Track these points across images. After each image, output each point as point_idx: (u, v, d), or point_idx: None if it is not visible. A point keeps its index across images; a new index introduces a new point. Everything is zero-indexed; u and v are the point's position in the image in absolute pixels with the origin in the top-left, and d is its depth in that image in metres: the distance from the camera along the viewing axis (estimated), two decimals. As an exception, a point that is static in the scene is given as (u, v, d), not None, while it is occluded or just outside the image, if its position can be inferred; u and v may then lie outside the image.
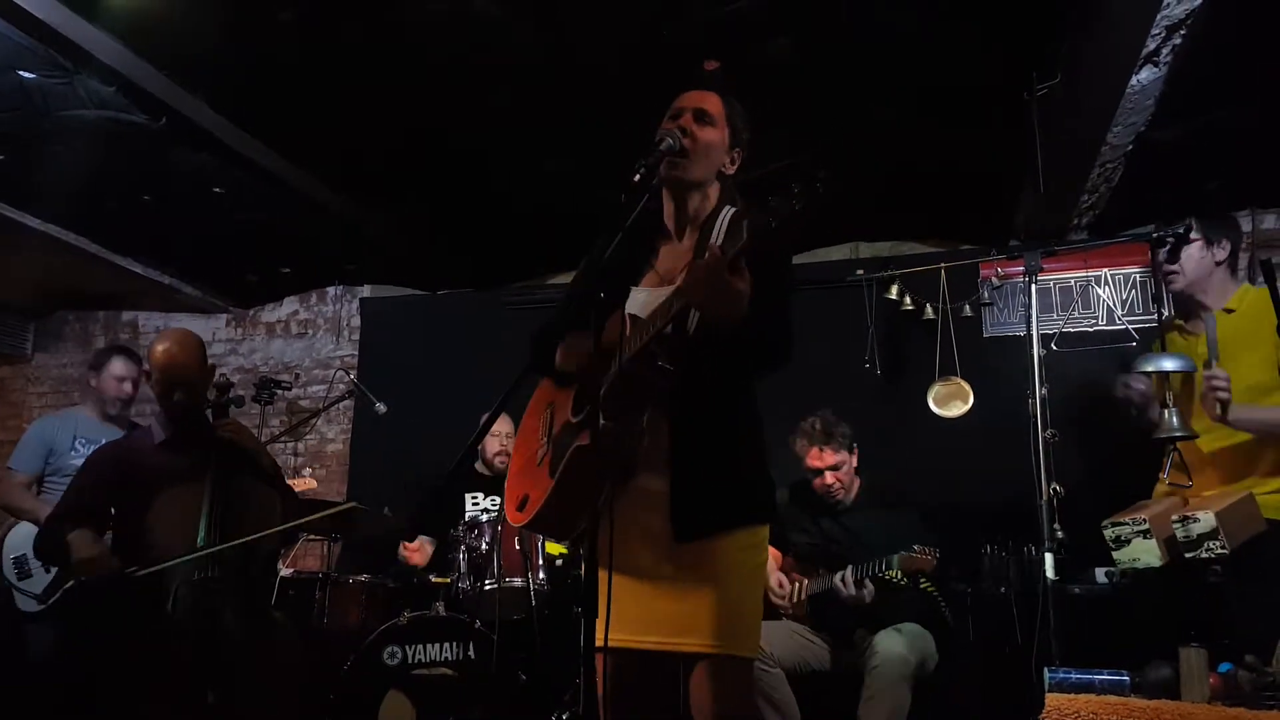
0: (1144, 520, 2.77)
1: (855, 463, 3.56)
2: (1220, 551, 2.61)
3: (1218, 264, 3.00)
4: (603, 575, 1.87)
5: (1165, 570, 2.74)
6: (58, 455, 3.94)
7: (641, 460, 1.92)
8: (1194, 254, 3.00)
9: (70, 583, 3.71)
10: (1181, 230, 3.04)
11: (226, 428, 2.96)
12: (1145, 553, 2.75)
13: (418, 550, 4.18)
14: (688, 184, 1.98)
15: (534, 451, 2.06)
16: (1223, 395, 2.70)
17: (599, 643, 1.87)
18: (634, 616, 1.89)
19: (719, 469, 1.90)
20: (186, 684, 2.61)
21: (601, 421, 1.79)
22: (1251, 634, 2.53)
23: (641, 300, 1.95)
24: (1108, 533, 2.84)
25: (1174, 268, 3.04)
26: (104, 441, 3.78)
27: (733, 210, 1.95)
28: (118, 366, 4.05)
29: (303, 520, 3.15)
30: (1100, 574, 3.70)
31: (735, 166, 2.02)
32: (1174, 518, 2.70)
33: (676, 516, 1.88)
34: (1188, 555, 2.66)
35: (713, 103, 2.00)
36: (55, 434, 3.99)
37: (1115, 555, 2.83)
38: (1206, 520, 2.62)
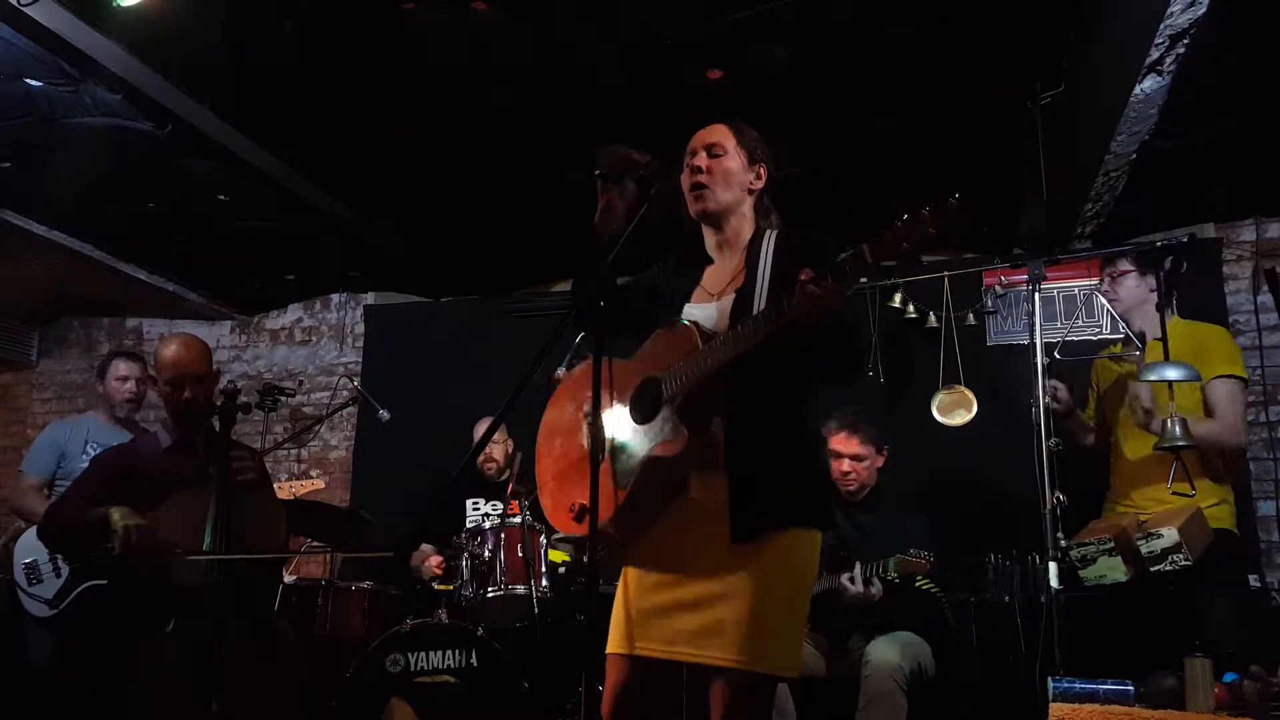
0: (1109, 539, 2.93)
1: (880, 465, 3.56)
2: (1184, 563, 2.78)
3: (1151, 291, 3.18)
4: (625, 577, 1.95)
5: (1135, 583, 2.89)
6: (69, 459, 3.98)
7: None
8: (1130, 283, 3.25)
9: (82, 587, 3.72)
10: (1185, 239, 3.14)
11: (246, 469, 2.94)
12: (1111, 569, 2.92)
13: (439, 564, 4.12)
14: (717, 213, 2.07)
15: (576, 458, 2.03)
16: (1144, 403, 2.98)
17: (615, 649, 1.93)
18: (665, 627, 1.89)
19: (776, 468, 1.89)
20: (190, 692, 2.61)
21: (684, 430, 1.83)
22: (1221, 633, 2.71)
23: (697, 315, 2.00)
24: (1074, 553, 2.99)
25: (1114, 294, 3.29)
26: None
27: (774, 233, 2.04)
28: (120, 367, 4.11)
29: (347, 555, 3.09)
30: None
31: (762, 182, 2.09)
32: (1138, 535, 2.86)
33: (735, 514, 1.86)
34: (1153, 569, 2.82)
35: (719, 133, 2.08)
36: (67, 438, 4.03)
37: (1082, 574, 2.99)
38: (1170, 535, 2.79)
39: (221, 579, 2.74)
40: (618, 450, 1.95)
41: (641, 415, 1.95)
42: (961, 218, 1.63)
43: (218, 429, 2.98)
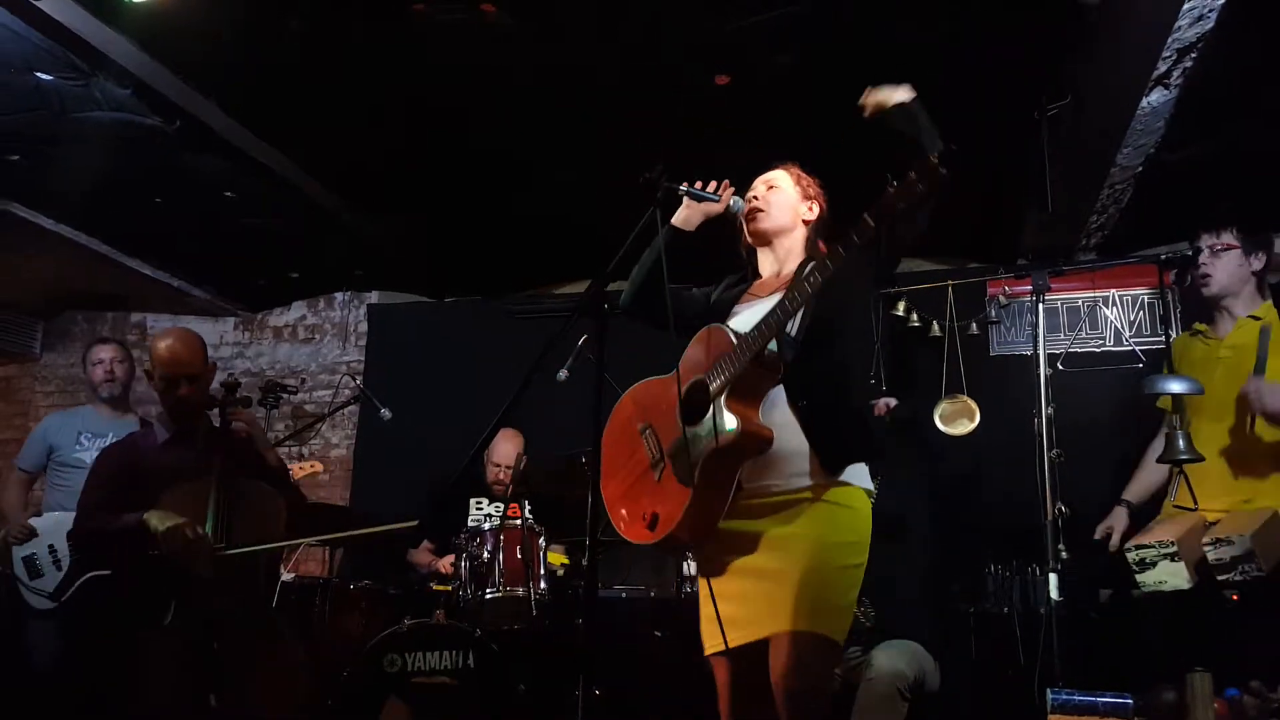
0: (1172, 543, 2.68)
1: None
2: (1256, 574, 2.54)
3: (1253, 274, 3.07)
4: (703, 586, 2.11)
5: (1182, 593, 2.70)
6: (61, 450, 4.02)
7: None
8: (1232, 261, 3.07)
9: (84, 578, 3.73)
10: (1190, 253, 3.10)
11: (239, 416, 2.97)
12: (1172, 575, 2.67)
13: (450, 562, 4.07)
14: (770, 232, 2.32)
15: (640, 473, 2.18)
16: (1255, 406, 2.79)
17: (711, 651, 2.11)
18: (748, 613, 2.03)
19: (845, 420, 2.10)
20: (189, 686, 2.60)
21: (735, 420, 1.98)
22: (1262, 659, 2.54)
23: (743, 318, 2.20)
24: (1131, 555, 2.78)
25: (1208, 272, 3.09)
26: (110, 435, 3.89)
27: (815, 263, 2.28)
28: (95, 352, 4.17)
29: (362, 532, 3.36)
30: (1105, 595, 3.68)
31: (814, 216, 2.34)
32: (1205, 540, 2.63)
33: (820, 448, 2.03)
34: (1221, 578, 2.58)
35: (775, 173, 2.37)
36: (59, 430, 4.07)
37: (1139, 578, 2.75)
38: (1242, 543, 2.55)
39: (221, 573, 2.73)
40: (677, 455, 2.09)
41: (692, 417, 2.09)
42: (941, 175, 1.91)
43: (216, 423, 2.98)
